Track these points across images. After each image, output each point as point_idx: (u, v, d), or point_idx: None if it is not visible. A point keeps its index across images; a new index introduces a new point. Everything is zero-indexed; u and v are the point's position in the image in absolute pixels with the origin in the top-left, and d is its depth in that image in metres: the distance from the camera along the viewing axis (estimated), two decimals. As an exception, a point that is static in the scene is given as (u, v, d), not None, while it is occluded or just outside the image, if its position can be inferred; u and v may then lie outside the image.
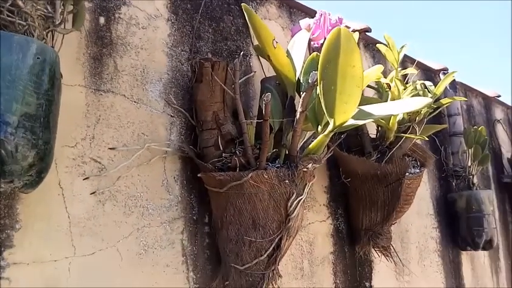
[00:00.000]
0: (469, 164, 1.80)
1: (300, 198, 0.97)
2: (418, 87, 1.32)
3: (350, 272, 1.41)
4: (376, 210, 1.33)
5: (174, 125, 1.10)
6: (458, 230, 1.79)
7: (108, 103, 1.01)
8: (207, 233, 1.10)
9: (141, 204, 1.01)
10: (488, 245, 1.74)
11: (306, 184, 0.98)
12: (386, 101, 1.28)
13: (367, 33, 1.70)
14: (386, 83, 1.23)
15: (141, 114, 1.06)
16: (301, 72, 1.04)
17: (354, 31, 1.62)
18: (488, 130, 2.32)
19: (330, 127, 0.90)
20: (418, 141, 1.42)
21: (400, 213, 1.35)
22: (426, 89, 1.35)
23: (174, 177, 1.08)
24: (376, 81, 1.35)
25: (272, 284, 1.02)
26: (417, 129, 1.31)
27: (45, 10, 0.80)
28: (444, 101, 1.35)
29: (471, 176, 1.80)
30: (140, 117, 1.05)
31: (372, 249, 1.41)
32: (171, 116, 1.10)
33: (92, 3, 1.03)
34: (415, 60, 1.96)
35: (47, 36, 0.82)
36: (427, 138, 1.34)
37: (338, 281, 1.37)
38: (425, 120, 1.34)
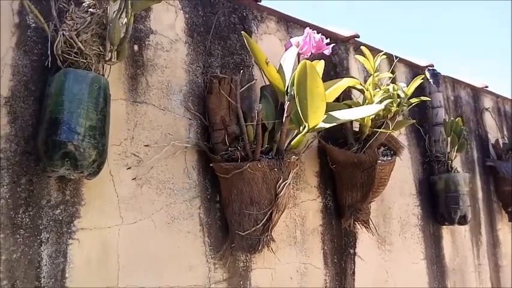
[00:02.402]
0: (448, 150, 2.07)
1: (286, 182, 1.28)
2: (391, 89, 1.60)
3: (336, 241, 1.73)
4: (356, 190, 1.63)
5: (192, 126, 1.43)
6: (438, 207, 2.07)
7: (142, 111, 1.34)
8: (218, 208, 1.43)
9: (169, 187, 1.35)
10: (463, 220, 2.02)
11: (291, 171, 1.30)
12: (363, 103, 1.57)
13: (356, 39, 1.98)
14: (361, 89, 1.52)
15: (167, 119, 1.39)
16: (289, 84, 1.35)
17: (343, 39, 1.91)
18: (476, 118, 2.56)
19: (306, 129, 1.21)
20: (394, 133, 1.70)
21: (376, 193, 1.64)
22: (399, 91, 1.63)
23: (193, 166, 1.41)
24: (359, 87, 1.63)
25: (267, 246, 1.35)
26: (390, 124, 1.60)
27: (98, 50, 1.13)
28: (412, 100, 1.62)
29: (450, 161, 2.07)
30: (166, 121, 1.38)
31: (355, 223, 1.72)
32: (190, 119, 1.43)
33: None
34: (403, 59, 2.23)
35: (100, 68, 1.15)
36: (394, 132, 1.63)
37: (326, 248, 1.69)
38: (398, 116, 1.62)
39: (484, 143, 2.55)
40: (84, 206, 1.18)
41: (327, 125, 1.18)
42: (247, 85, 1.57)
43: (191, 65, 1.48)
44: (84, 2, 1.09)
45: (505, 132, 2.71)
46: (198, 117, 1.45)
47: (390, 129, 1.59)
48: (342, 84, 1.30)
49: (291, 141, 1.34)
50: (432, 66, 2.26)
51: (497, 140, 2.55)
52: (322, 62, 1.20)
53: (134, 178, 1.28)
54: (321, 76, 1.19)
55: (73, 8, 1.09)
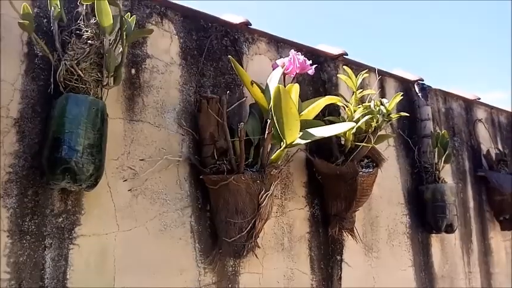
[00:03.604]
0: (436, 161, 2.16)
1: (268, 193, 1.40)
2: (373, 105, 1.70)
3: (323, 247, 1.83)
4: (341, 200, 1.74)
5: (184, 142, 1.56)
6: (426, 216, 2.16)
7: (138, 129, 1.48)
8: (208, 216, 1.55)
9: (162, 197, 1.48)
10: (450, 229, 2.10)
11: (272, 183, 1.41)
12: (346, 119, 1.69)
13: (345, 57, 2.09)
14: (343, 105, 1.63)
15: (161, 135, 1.52)
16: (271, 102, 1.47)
17: (333, 57, 2.03)
18: (468, 129, 2.64)
19: (284, 145, 1.33)
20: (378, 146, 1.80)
21: (359, 202, 1.74)
22: (381, 106, 1.73)
23: (185, 178, 1.54)
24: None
25: (252, 252, 1.46)
26: (372, 138, 1.70)
27: (96, 76, 1.27)
28: (393, 116, 1.73)
29: (437, 172, 2.16)
30: (160, 137, 1.52)
31: (341, 231, 1.82)
32: (182, 135, 1.56)
33: (126, 59, 1.49)
34: (393, 74, 2.33)
35: (99, 91, 1.29)
36: (375, 146, 1.73)
37: (313, 254, 1.80)
38: (379, 130, 1.73)
39: (476, 153, 2.62)
40: (84, 215, 1.32)
41: (303, 141, 1.30)
42: (237, 103, 1.69)
43: (184, 86, 1.61)
44: (84, 35, 1.24)
45: (499, 143, 2.77)
46: (190, 133, 1.58)
47: (372, 142, 1.70)
48: (321, 102, 1.41)
49: (272, 155, 1.46)
50: (422, 80, 2.35)
51: (488, 151, 2.62)
52: (297, 85, 1.32)
53: (130, 189, 1.42)
54: (297, 97, 1.31)
55: (74, 39, 1.24)
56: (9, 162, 1.23)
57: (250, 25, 1.81)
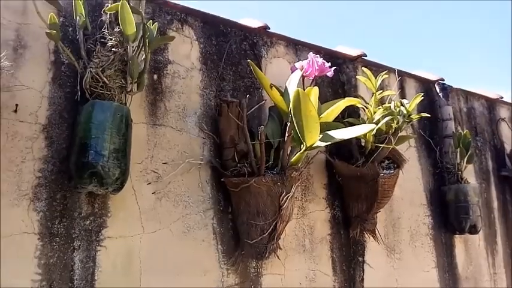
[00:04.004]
0: (458, 161, 2.13)
1: (289, 195, 1.41)
2: (393, 106, 1.70)
3: (345, 249, 1.83)
4: (362, 201, 1.73)
5: (205, 145, 1.59)
6: (449, 217, 2.13)
7: (161, 133, 1.51)
8: (230, 218, 1.57)
9: (185, 200, 1.51)
10: (473, 230, 2.07)
11: (293, 185, 1.42)
12: (367, 120, 1.69)
13: (364, 58, 2.08)
14: (362, 107, 1.63)
15: (183, 139, 1.55)
16: (291, 105, 1.48)
17: (351, 58, 2.03)
18: (491, 129, 2.59)
19: (304, 148, 1.34)
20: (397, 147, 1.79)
21: (381, 204, 1.74)
22: (401, 107, 1.73)
23: (206, 181, 1.56)
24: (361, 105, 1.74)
25: (274, 253, 1.48)
26: (392, 139, 1.70)
27: (121, 83, 1.31)
28: (414, 116, 1.72)
29: (460, 172, 2.13)
30: (182, 141, 1.55)
31: (363, 232, 1.81)
32: (203, 138, 1.59)
33: (148, 65, 1.53)
34: (413, 74, 2.31)
35: (123, 97, 1.33)
36: (396, 147, 1.72)
37: (334, 256, 1.80)
38: (399, 131, 1.72)
39: (500, 153, 2.57)
40: (111, 218, 1.36)
41: (323, 144, 1.31)
42: (256, 106, 1.71)
43: (205, 90, 1.64)
44: (108, 43, 1.28)
45: (524, 142, 2.71)
46: (211, 136, 1.60)
47: (392, 144, 1.69)
48: (340, 104, 1.42)
49: (292, 158, 1.47)
50: (442, 80, 2.32)
51: (512, 150, 2.57)
52: (317, 88, 1.33)
53: (154, 192, 1.45)
54: (316, 100, 1.32)
55: (99, 47, 1.28)
56: (39, 167, 1.27)
57: (269, 29, 1.83)
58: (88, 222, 1.31)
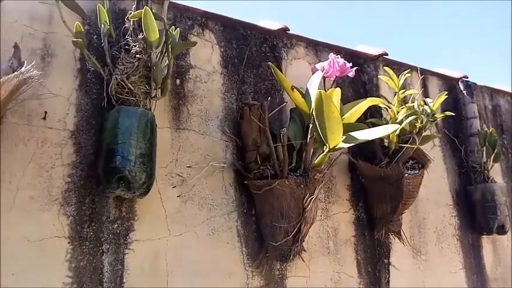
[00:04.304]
0: (484, 160, 2.09)
1: (312, 197, 1.41)
2: (416, 105, 1.67)
3: (370, 250, 1.82)
4: (386, 203, 1.72)
5: (228, 148, 1.60)
6: (475, 217, 2.09)
7: (184, 137, 1.53)
8: (253, 221, 1.58)
9: (209, 202, 1.52)
10: (501, 230, 2.02)
11: (316, 187, 1.42)
12: (390, 120, 1.67)
13: (385, 57, 2.07)
14: (385, 107, 1.61)
15: (206, 142, 1.57)
16: (313, 107, 1.48)
17: (372, 57, 2.01)
18: (519, 126, 2.53)
19: (327, 149, 1.33)
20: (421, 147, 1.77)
21: (405, 205, 1.72)
22: (425, 106, 1.70)
23: (230, 184, 1.58)
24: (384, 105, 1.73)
25: (298, 256, 1.48)
26: (416, 139, 1.68)
27: (145, 88, 1.33)
28: (438, 115, 1.69)
29: (486, 171, 2.08)
30: (205, 144, 1.56)
31: (388, 234, 1.79)
32: (226, 141, 1.60)
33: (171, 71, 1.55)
34: (436, 72, 2.28)
35: (147, 103, 1.35)
36: (420, 147, 1.69)
37: (359, 257, 1.78)
38: (423, 131, 1.69)
39: (529, 150, 2.50)
40: (138, 221, 1.38)
41: (346, 145, 1.30)
42: (277, 108, 1.71)
43: (226, 93, 1.65)
44: (132, 50, 1.30)
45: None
46: (233, 139, 1.61)
47: (416, 144, 1.67)
48: (363, 104, 1.41)
49: (315, 159, 1.47)
50: (466, 77, 2.28)
51: (541, 148, 2.50)
52: (339, 89, 1.32)
53: (179, 195, 1.47)
54: (339, 101, 1.32)
55: (123, 54, 1.30)
56: (68, 173, 1.31)
57: (288, 30, 1.83)
58: (116, 225, 1.34)
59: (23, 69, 1.05)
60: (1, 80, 0.99)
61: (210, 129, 1.59)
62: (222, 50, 1.69)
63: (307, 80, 1.68)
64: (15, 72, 1.02)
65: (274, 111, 1.70)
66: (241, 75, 1.70)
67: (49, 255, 1.24)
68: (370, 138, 1.29)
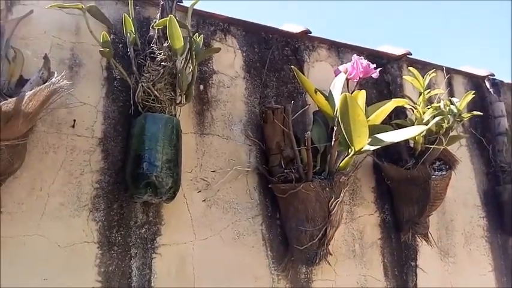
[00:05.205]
0: (513, 160, 2.04)
1: (338, 200, 1.40)
2: (442, 105, 1.64)
3: (396, 253, 1.79)
4: (413, 205, 1.69)
5: (252, 152, 1.61)
6: (504, 218, 2.03)
7: (209, 142, 1.54)
8: (278, 224, 1.58)
9: (234, 206, 1.53)
10: (532, 232, 1.97)
11: (342, 190, 1.41)
12: (415, 121, 1.64)
13: (408, 56, 2.04)
14: (410, 108, 1.59)
15: (230, 146, 1.58)
16: (337, 109, 1.47)
17: (396, 57, 1.99)
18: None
19: (352, 152, 1.32)
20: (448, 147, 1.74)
21: (433, 206, 1.69)
22: (451, 105, 1.67)
23: (254, 187, 1.58)
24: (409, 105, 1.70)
25: (324, 259, 1.47)
26: (443, 139, 1.65)
27: (170, 95, 1.35)
28: (465, 115, 1.65)
29: (515, 171, 2.03)
30: (229, 149, 1.57)
31: (415, 236, 1.77)
32: (249, 145, 1.61)
33: (194, 76, 1.57)
34: (461, 71, 2.23)
35: (172, 109, 1.37)
36: (447, 147, 1.66)
37: (386, 261, 1.76)
38: (450, 131, 1.66)
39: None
40: (164, 225, 1.40)
41: (372, 148, 1.29)
42: (300, 111, 1.71)
43: (249, 97, 1.66)
44: (157, 57, 1.32)
45: None
46: (257, 143, 1.62)
47: (443, 144, 1.64)
48: (388, 106, 1.39)
49: (340, 162, 1.46)
50: (492, 75, 2.23)
51: None
52: (364, 92, 1.31)
53: (204, 200, 1.48)
54: (364, 103, 1.31)
55: (149, 62, 1.33)
56: (96, 179, 1.33)
57: (310, 33, 1.83)
58: (143, 230, 1.36)
59: (53, 79, 1.07)
60: (33, 90, 1.02)
61: (234, 134, 1.60)
62: (245, 54, 1.70)
63: (329, 82, 1.66)
64: (46, 83, 1.05)
65: (297, 114, 1.69)
66: (264, 79, 1.71)
67: (79, 260, 1.26)
68: (396, 140, 1.27)
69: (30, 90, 1.10)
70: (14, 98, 0.99)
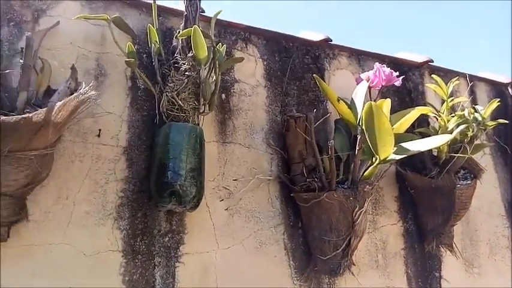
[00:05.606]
0: (540, 168, 1.99)
1: (362, 210, 1.39)
2: (467, 113, 1.62)
3: (420, 264, 1.76)
4: (437, 214, 1.66)
5: (273, 160, 1.60)
6: (531, 228, 1.99)
7: (230, 150, 1.54)
8: (300, 234, 1.57)
9: (256, 215, 1.53)
10: (561, 242, 1.92)
11: (366, 200, 1.40)
12: (439, 129, 1.62)
13: (430, 64, 2.02)
14: (434, 116, 1.57)
15: (251, 155, 1.58)
16: (360, 118, 1.46)
17: (417, 65, 1.97)
18: None
19: (377, 161, 1.31)
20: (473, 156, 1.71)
21: (458, 216, 1.66)
22: (475, 113, 1.64)
23: (276, 196, 1.57)
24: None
25: (348, 270, 1.45)
26: (468, 148, 1.62)
27: (194, 104, 1.36)
28: (490, 123, 1.63)
29: (542, 180, 1.98)
30: (251, 157, 1.57)
31: (439, 246, 1.73)
32: (271, 154, 1.61)
33: (216, 85, 1.58)
34: (483, 78, 2.20)
35: (196, 118, 1.38)
36: (475, 154, 1.63)
37: (409, 271, 1.73)
38: (475, 140, 1.63)
39: None
40: (187, 234, 1.40)
41: (398, 157, 1.28)
42: (321, 119, 1.70)
43: (270, 106, 1.66)
44: (181, 67, 1.33)
45: None
46: (279, 152, 1.61)
47: (468, 153, 1.61)
48: (413, 114, 1.38)
49: (364, 171, 1.44)
50: (516, 81, 2.19)
51: None
52: (389, 100, 1.30)
53: (226, 208, 1.48)
54: (388, 112, 1.29)
55: (173, 72, 1.34)
56: (121, 188, 1.34)
57: (331, 41, 1.82)
58: (167, 239, 1.36)
59: (81, 90, 1.09)
60: (63, 101, 1.03)
61: (255, 142, 1.60)
62: (265, 63, 1.70)
63: (350, 90, 1.66)
64: (75, 93, 1.07)
65: (318, 122, 1.68)
66: (285, 87, 1.71)
67: (104, 268, 1.27)
68: (423, 149, 1.25)
69: (59, 101, 1.12)
70: (44, 109, 1.01)
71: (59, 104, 1.03)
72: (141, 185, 1.36)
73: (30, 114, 0.99)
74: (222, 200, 1.48)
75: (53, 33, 1.38)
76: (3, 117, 0.98)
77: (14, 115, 1.03)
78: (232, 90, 1.60)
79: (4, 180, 1.01)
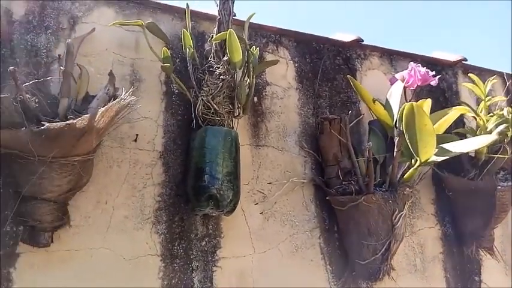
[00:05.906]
0: None
1: (402, 213, 1.36)
2: (506, 113, 1.57)
3: (459, 268, 1.71)
4: (477, 217, 1.61)
5: (307, 163, 1.59)
6: None
7: (264, 153, 1.53)
8: (336, 238, 1.54)
9: (291, 219, 1.51)
10: None
11: (405, 203, 1.36)
12: (477, 130, 1.58)
13: (463, 62, 1.97)
14: (473, 116, 1.53)
15: (285, 158, 1.56)
16: (396, 119, 1.43)
17: (450, 64, 1.92)
18: None
19: (418, 163, 1.28)
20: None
21: (498, 219, 1.60)
22: (514, 113, 1.59)
23: (310, 200, 1.56)
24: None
25: (387, 274, 1.42)
26: (508, 148, 1.57)
27: (229, 108, 1.36)
28: (530, 123, 1.57)
29: None
30: (284, 160, 1.56)
31: (478, 249, 1.68)
32: (304, 156, 1.59)
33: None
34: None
35: (230, 122, 1.37)
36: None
37: (448, 275, 1.68)
38: (517, 139, 1.58)
39: None
40: (224, 238, 1.39)
41: (440, 158, 1.24)
42: (355, 121, 1.68)
43: (302, 108, 1.64)
44: (216, 71, 1.33)
45: None
46: (312, 154, 1.59)
47: (508, 153, 1.56)
48: (452, 114, 1.34)
49: (403, 173, 1.41)
50: (556, 79, 2.11)
51: None
52: (429, 100, 1.27)
53: (261, 212, 1.47)
54: (429, 112, 1.26)
55: (207, 76, 1.34)
56: (158, 192, 1.35)
57: (362, 41, 1.80)
58: (204, 243, 1.36)
59: (122, 96, 1.10)
60: (105, 107, 1.04)
61: (289, 145, 1.58)
62: (297, 65, 1.69)
63: (383, 90, 1.63)
64: (116, 99, 1.08)
65: (352, 123, 1.66)
66: (316, 89, 1.69)
67: (143, 272, 1.28)
68: (465, 150, 1.22)
69: (98, 107, 1.14)
70: (87, 115, 1.02)
71: (102, 109, 1.04)
72: (177, 189, 1.36)
73: (74, 121, 1.00)
74: (257, 203, 1.47)
75: (89, 40, 1.40)
76: (47, 124, 1.00)
77: (57, 121, 1.04)
78: (264, 93, 1.60)
79: (48, 186, 1.03)
